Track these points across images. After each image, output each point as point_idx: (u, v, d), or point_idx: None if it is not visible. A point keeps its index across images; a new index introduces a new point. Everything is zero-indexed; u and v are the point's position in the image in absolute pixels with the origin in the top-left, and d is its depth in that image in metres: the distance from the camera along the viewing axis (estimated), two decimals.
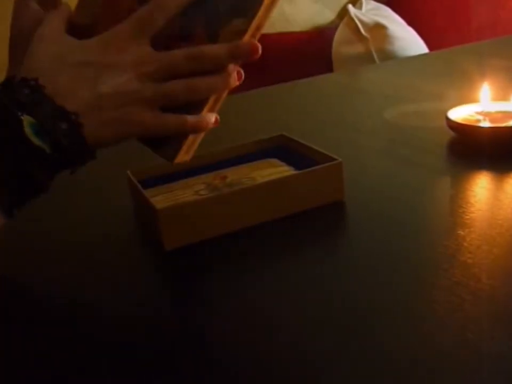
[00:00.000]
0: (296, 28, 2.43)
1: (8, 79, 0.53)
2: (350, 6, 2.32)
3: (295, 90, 1.32)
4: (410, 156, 0.84)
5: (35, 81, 0.52)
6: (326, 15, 2.49)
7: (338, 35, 2.30)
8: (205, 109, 0.57)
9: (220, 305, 0.56)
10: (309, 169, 0.70)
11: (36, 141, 0.50)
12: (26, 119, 0.50)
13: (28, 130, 0.50)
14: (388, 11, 2.40)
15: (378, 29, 2.19)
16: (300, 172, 0.71)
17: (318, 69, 2.06)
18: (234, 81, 0.57)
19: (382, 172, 0.81)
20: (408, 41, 2.22)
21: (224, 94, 0.59)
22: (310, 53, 2.34)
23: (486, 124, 0.86)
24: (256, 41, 0.56)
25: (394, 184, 0.77)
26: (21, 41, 0.57)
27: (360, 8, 2.36)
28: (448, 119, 0.87)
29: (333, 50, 2.30)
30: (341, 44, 2.27)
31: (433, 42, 2.26)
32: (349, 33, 2.25)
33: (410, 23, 2.33)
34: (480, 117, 0.87)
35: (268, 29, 2.12)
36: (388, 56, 2.14)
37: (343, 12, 2.39)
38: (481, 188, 0.73)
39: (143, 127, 0.55)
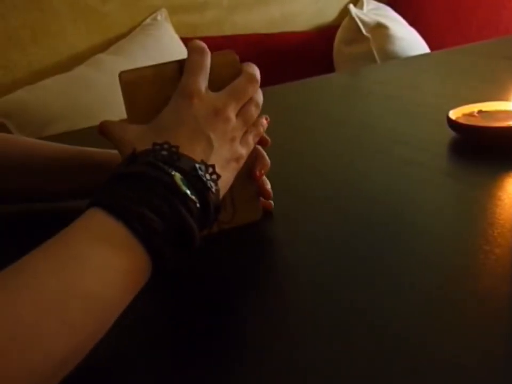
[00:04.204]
0: (298, 28, 2.42)
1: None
2: (351, 6, 2.31)
3: (297, 90, 1.32)
4: (412, 156, 0.84)
5: (169, 144, 0.54)
6: (327, 15, 2.49)
7: (339, 35, 2.30)
8: None
9: None
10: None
11: (189, 193, 0.51)
12: (176, 175, 0.51)
13: (179, 183, 0.51)
14: (389, 11, 2.40)
15: (380, 28, 2.19)
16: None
17: (319, 69, 2.06)
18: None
19: (383, 171, 0.81)
20: (409, 41, 2.21)
21: None
22: (311, 53, 2.34)
23: (487, 123, 0.85)
24: None
25: (396, 183, 0.77)
26: None
27: (361, 8, 2.36)
28: (449, 119, 0.87)
29: (334, 50, 2.29)
30: (342, 44, 2.27)
31: (435, 42, 2.26)
32: (350, 33, 2.24)
33: (411, 23, 2.32)
34: (481, 117, 0.87)
35: (269, 29, 2.10)
36: (389, 56, 2.13)
37: (344, 12, 2.38)
38: (483, 187, 0.73)
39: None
